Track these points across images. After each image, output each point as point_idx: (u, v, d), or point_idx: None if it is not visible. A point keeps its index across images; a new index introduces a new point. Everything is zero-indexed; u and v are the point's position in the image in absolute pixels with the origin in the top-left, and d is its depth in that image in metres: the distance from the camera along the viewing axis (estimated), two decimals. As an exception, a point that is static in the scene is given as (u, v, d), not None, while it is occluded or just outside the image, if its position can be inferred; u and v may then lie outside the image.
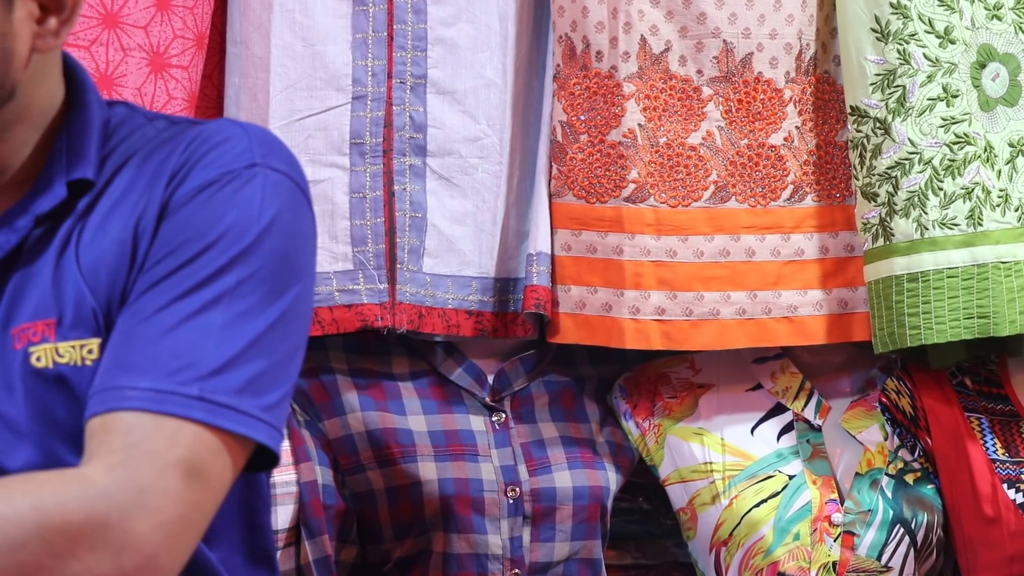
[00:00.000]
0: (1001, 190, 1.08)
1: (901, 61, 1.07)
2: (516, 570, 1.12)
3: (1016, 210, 1.09)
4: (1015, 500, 1.04)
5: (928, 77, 1.09)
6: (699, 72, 1.09)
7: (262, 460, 0.67)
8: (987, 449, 1.06)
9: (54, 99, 0.70)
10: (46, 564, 0.59)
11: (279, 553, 1.09)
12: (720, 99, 1.11)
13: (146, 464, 0.62)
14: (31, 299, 0.68)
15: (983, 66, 1.11)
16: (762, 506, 1.10)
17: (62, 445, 0.67)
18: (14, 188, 0.69)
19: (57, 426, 0.67)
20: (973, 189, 1.06)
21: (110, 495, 0.60)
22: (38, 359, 0.67)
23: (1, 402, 0.67)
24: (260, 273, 0.66)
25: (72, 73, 0.73)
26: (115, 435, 0.63)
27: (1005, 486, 1.06)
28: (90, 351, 0.67)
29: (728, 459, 1.12)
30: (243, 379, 0.64)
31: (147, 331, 0.64)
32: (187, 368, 0.63)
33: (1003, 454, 1.07)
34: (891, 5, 1.09)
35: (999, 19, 1.12)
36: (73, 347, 0.67)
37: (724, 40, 1.09)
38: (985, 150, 1.09)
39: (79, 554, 0.59)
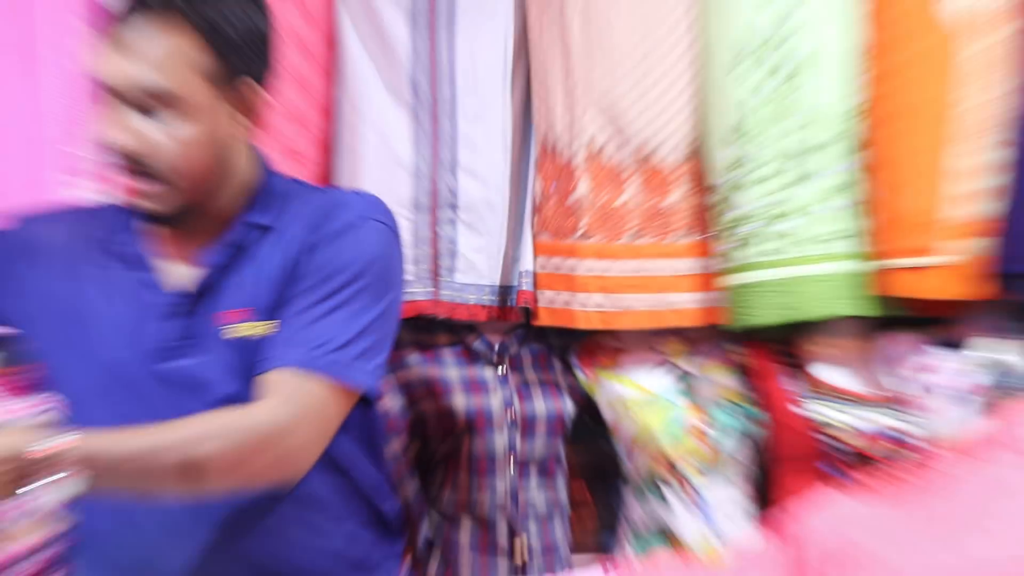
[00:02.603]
0: (808, 233, 1.29)
1: (742, 154, 1.31)
2: (513, 459, 1.39)
3: (815, 243, 1.31)
4: (800, 412, 1.35)
5: (764, 162, 1.31)
6: (623, 160, 1.34)
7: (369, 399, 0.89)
8: (789, 384, 1.37)
9: (248, 171, 0.93)
10: (237, 466, 0.83)
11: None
12: (637, 176, 1.35)
13: (301, 400, 0.85)
14: (235, 295, 0.91)
15: (802, 155, 1.29)
16: (658, 421, 1.39)
17: (242, 381, 0.90)
18: (223, 226, 0.92)
19: (241, 370, 0.90)
20: (784, 235, 1.31)
21: (282, 417, 0.84)
22: (237, 333, 0.91)
23: (203, 370, 0.90)
24: (368, 287, 0.89)
25: (259, 154, 0.96)
26: (281, 383, 0.85)
27: (797, 407, 1.35)
28: (268, 328, 0.90)
29: (638, 394, 1.43)
30: (360, 354, 0.87)
31: (301, 322, 0.88)
32: (323, 343, 0.86)
33: (794, 387, 1.36)
34: (738, 122, 1.31)
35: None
36: (257, 326, 0.91)
37: (641, 139, 1.34)
38: (795, 209, 1.29)
39: (266, 448, 0.83)
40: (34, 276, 0.97)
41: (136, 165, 0.88)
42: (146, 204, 0.89)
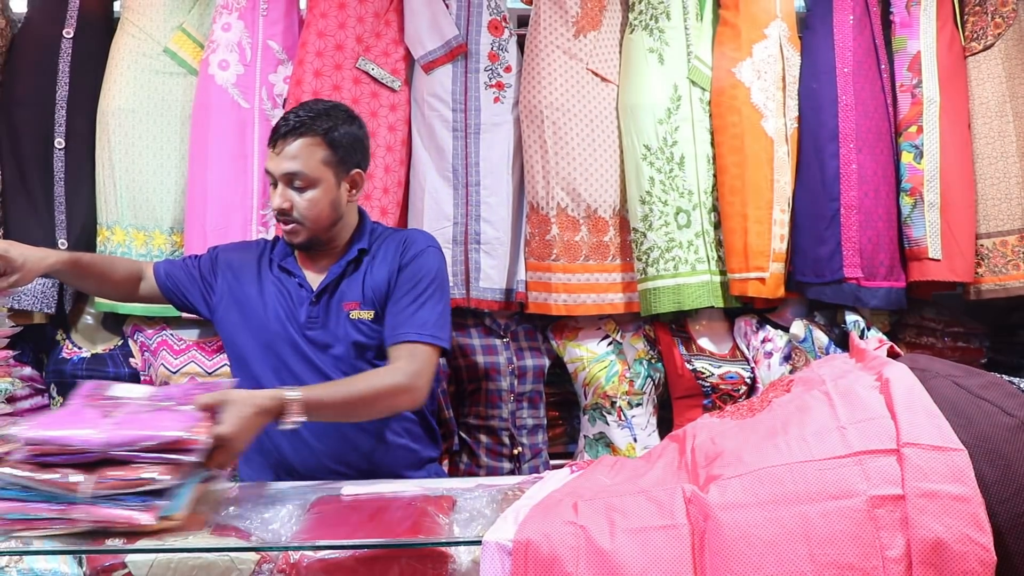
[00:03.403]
0: (696, 257, 1.88)
1: (648, 210, 1.88)
2: (513, 394, 1.84)
3: (690, 264, 1.87)
4: (687, 367, 1.95)
5: (662, 215, 1.87)
6: (578, 214, 1.86)
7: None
8: (680, 348, 1.94)
9: (354, 219, 1.34)
10: (388, 399, 1.17)
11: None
12: (586, 226, 1.84)
13: (419, 362, 1.22)
14: (350, 293, 1.29)
15: (682, 213, 1.88)
16: (600, 371, 1.89)
17: (354, 350, 1.27)
18: (339, 252, 1.33)
19: (355, 345, 1.27)
20: (677, 260, 1.88)
21: (410, 373, 1.21)
22: (355, 316, 1.28)
23: (328, 336, 1.26)
24: (439, 287, 1.29)
25: (359, 208, 1.34)
26: (404, 351, 1.22)
27: (685, 363, 1.94)
28: (371, 315, 1.29)
29: (587, 354, 1.91)
30: (441, 327, 1.26)
31: (407, 312, 1.25)
32: (424, 325, 1.25)
33: (684, 351, 1.96)
34: (646, 192, 1.88)
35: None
36: (366, 313, 1.29)
37: (587, 203, 1.86)
38: (679, 244, 1.88)
39: (399, 394, 1.20)
40: (224, 282, 1.37)
41: (288, 217, 1.28)
42: (293, 239, 1.31)
